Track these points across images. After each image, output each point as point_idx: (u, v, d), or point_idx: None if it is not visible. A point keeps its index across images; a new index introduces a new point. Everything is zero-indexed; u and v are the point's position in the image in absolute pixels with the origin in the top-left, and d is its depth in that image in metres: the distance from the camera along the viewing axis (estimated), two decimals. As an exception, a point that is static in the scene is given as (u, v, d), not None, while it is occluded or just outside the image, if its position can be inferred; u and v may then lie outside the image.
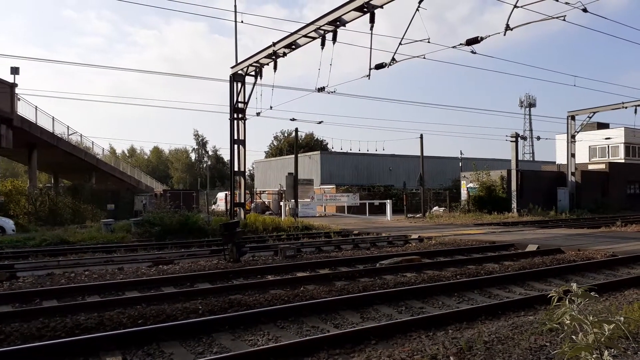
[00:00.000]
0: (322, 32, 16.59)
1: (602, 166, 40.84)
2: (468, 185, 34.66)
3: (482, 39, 13.49)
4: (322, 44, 16.55)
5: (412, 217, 30.80)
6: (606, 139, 47.21)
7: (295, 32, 17.77)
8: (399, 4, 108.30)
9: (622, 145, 49.02)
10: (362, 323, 6.59)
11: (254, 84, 21.55)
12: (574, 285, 3.25)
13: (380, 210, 34.28)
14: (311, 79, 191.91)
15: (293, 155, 28.99)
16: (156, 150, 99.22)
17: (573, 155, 36.03)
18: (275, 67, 19.60)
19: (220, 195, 45.35)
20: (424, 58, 15.17)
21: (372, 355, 4.93)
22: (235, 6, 22.34)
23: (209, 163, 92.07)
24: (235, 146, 22.03)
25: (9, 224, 20.65)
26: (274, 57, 19.42)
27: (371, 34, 14.95)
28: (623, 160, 47.00)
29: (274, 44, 18.96)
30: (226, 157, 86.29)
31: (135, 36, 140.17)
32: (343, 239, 18.28)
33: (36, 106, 30.18)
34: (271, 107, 21.02)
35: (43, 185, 40.59)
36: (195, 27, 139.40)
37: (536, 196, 33.51)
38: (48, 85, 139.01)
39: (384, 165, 48.96)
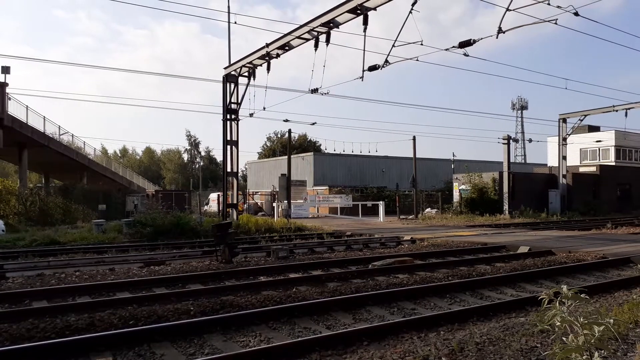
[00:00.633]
0: (315, 33, 16.61)
1: (593, 169, 41.17)
2: (460, 187, 34.82)
3: (474, 41, 13.56)
4: (316, 46, 16.57)
5: (404, 218, 30.88)
6: (597, 141, 47.59)
7: (289, 34, 17.78)
8: (393, 6, 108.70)
9: (613, 148, 49.50)
10: (354, 324, 6.60)
11: (247, 84, 21.55)
12: (565, 287, 3.28)
13: (373, 211, 34.32)
14: (304, 80, 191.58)
15: (286, 157, 29.00)
16: (148, 151, 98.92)
17: (564, 158, 36.31)
18: (268, 68, 19.62)
19: (213, 196, 45.24)
20: (417, 60, 15.25)
21: (364, 357, 4.93)
22: (228, 7, 22.28)
23: (202, 164, 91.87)
24: (228, 147, 21.98)
25: (-2, 224, 20.44)
26: (267, 58, 19.42)
27: (364, 35, 14.99)
28: (614, 163, 47.44)
29: (268, 45, 18.97)
30: (219, 157, 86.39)
31: (127, 35, 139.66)
32: (336, 240, 18.29)
33: (27, 106, 30.10)
34: (264, 108, 21.05)
35: (34, 185, 40.23)
36: (188, 27, 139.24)
37: (528, 198, 33.76)
38: (39, 84, 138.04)
39: (376, 166, 49.07)
